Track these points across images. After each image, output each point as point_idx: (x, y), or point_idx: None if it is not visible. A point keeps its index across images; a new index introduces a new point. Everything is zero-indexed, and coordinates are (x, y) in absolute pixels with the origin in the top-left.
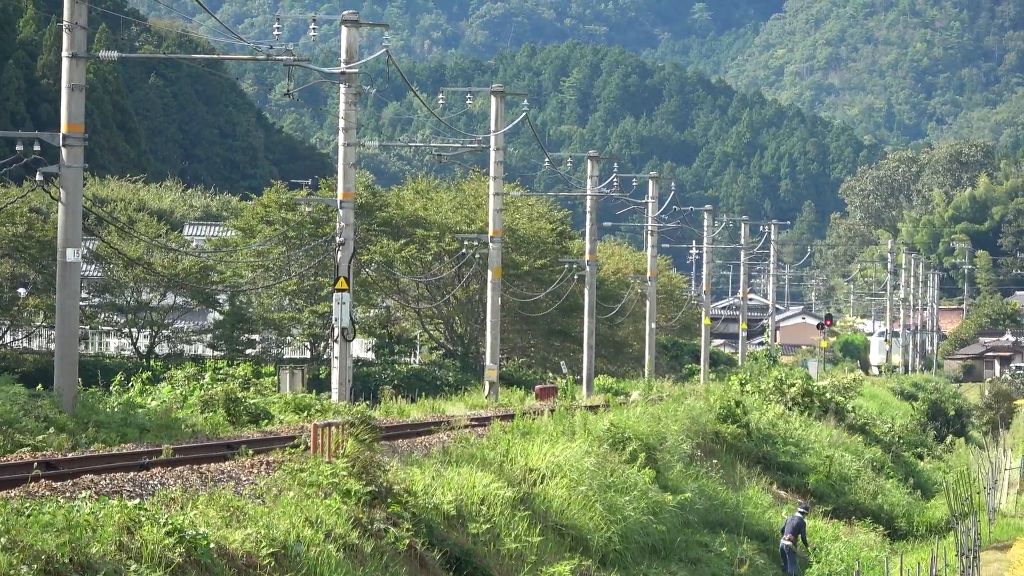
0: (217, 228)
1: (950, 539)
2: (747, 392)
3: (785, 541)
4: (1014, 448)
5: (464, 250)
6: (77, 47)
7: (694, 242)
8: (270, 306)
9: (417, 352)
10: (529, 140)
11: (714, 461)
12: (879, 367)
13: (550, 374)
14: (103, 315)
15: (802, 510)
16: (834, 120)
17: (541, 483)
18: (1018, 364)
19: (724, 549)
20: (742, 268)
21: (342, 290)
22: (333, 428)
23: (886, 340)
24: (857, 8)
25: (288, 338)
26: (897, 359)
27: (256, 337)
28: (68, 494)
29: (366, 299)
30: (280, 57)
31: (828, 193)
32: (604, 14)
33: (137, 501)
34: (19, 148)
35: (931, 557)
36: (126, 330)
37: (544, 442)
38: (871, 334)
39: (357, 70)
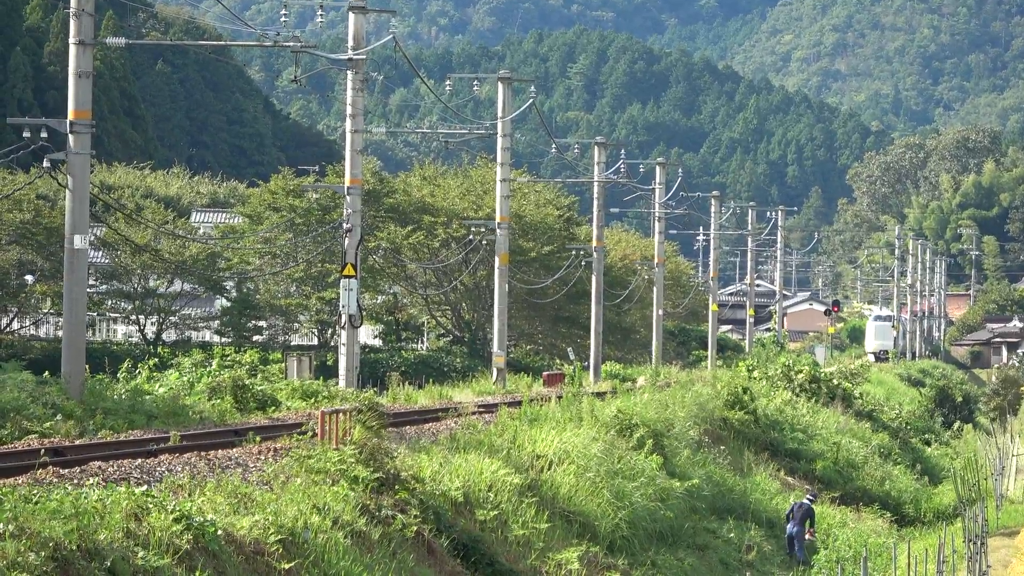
0: (224, 215)
1: (957, 525)
2: (754, 378)
3: (793, 528)
4: (1022, 434)
5: (471, 236)
6: (84, 34)
7: (701, 228)
8: (277, 293)
9: (424, 339)
10: (536, 126)
11: (721, 447)
12: (875, 353)
13: (557, 360)
14: (110, 302)
15: (810, 498)
16: (841, 106)
17: (549, 469)
18: None
19: (732, 535)
20: (749, 254)
21: (349, 276)
22: (340, 415)
23: (893, 326)
24: None
25: (295, 325)
26: (899, 344)
27: (263, 324)
28: (76, 481)
29: (373, 286)
30: (287, 43)
31: (835, 179)
32: (611, 0)
33: (145, 488)
34: (26, 135)
35: (939, 543)
36: (133, 317)
37: (551, 428)
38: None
39: (364, 56)
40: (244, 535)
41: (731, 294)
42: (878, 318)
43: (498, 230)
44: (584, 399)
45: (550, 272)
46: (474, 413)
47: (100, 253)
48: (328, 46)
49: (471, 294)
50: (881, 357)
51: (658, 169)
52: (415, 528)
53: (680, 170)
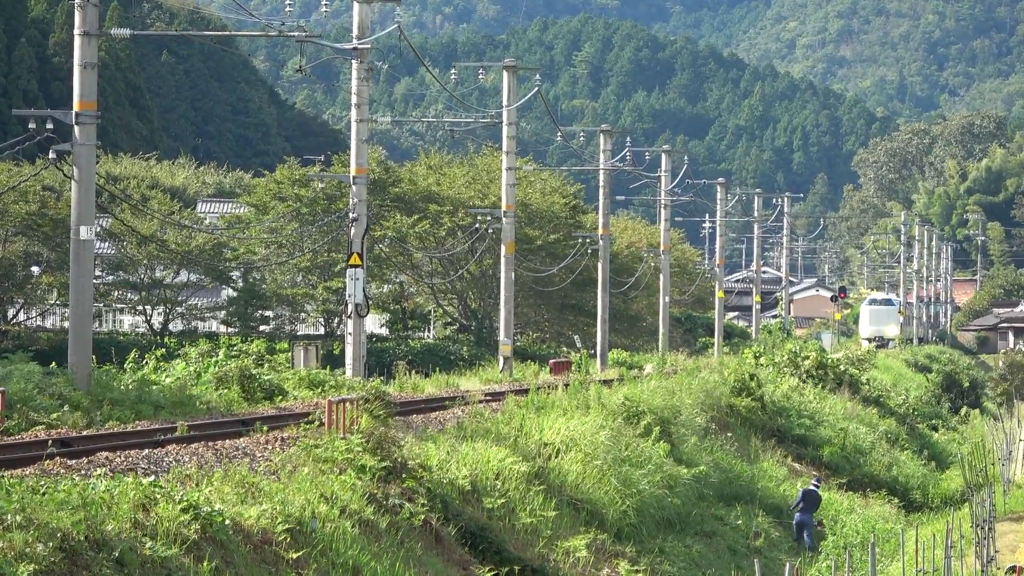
0: (230, 205)
1: (965, 510)
2: (761, 365)
3: (802, 516)
4: None
5: (477, 225)
6: (89, 25)
7: (707, 215)
8: (283, 282)
9: (431, 327)
10: (541, 115)
11: (728, 434)
12: (870, 339)
13: (564, 348)
14: (117, 293)
15: (815, 483)
16: (846, 92)
17: (556, 457)
18: None
19: (739, 522)
20: (755, 241)
21: (355, 266)
22: (347, 404)
23: (900, 311)
24: None
25: (302, 314)
26: (894, 331)
27: (270, 313)
28: (83, 471)
29: (380, 275)
30: (292, 33)
31: (841, 165)
32: None
33: (152, 478)
34: (32, 126)
35: (946, 528)
36: (140, 307)
37: (558, 416)
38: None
39: (369, 46)
40: (252, 525)
41: (737, 281)
42: (873, 301)
43: (504, 218)
44: (591, 387)
45: (556, 260)
46: (481, 401)
47: (106, 244)
48: (333, 36)
49: (477, 283)
50: (877, 344)
51: (664, 156)
52: (422, 517)
53: (686, 157)
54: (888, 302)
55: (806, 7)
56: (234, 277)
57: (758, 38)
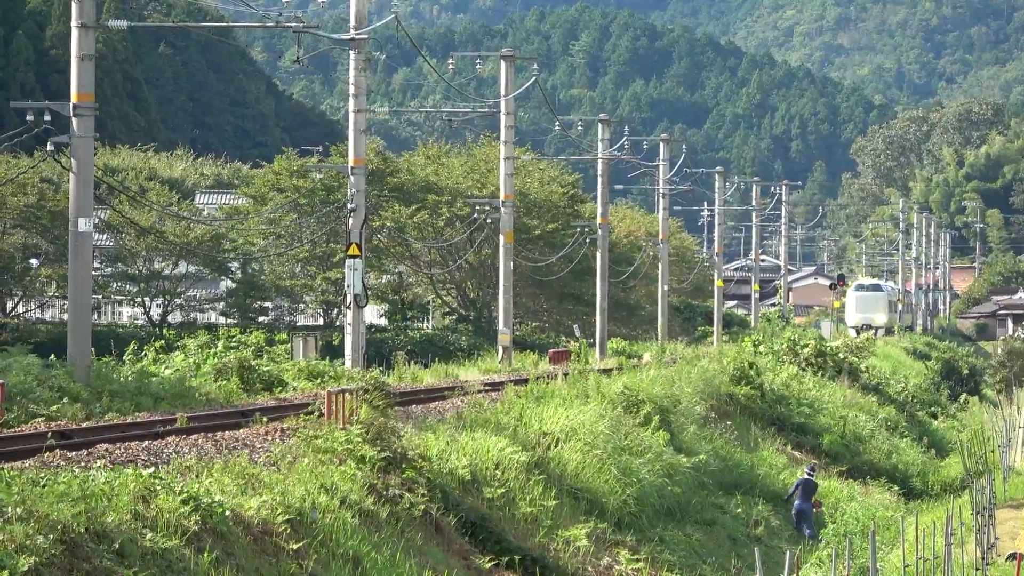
0: (228, 196)
1: (965, 498)
2: (760, 353)
3: (802, 504)
4: None
5: (476, 215)
6: (86, 17)
7: (706, 204)
8: (282, 273)
9: (430, 317)
10: (539, 104)
11: (728, 423)
12: (857, 328)
13: (563, 338)
14: (116, 284)
15: (809, 471)
16: (844, 80)
17: (555, 447)
18: None
19: (739, 511)
20: (754, 229)
21: (354, 256)
22: (347, 394)
23: (899, 299)
24: None
25: (301, 305)
26: (883, 318)
27: (269, 305)
28: (83, 463)
29: (378, 265)
30: (289, 24)
31: (839, 153)
32: None
33: (152, 470)
34: (30, 118)
35: (946, 516)
36: (139, 299)
37: (558, 406)
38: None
39: (366, 36)
40: (252, 516)
41: (736, 269)
42: (860, 287)
43: (502, 208)
44: (590, 376)
45: (555, 250)
46: (480, 391)
47: (105, 236)
48: (330, 26)
49: (476, 272)
50: (874, 333)
51: (662, 145)
52: (422, 507)
53: (684, 146)
54: (876, 287)
55: None
56: (233, 268)
57: (755, 26)
